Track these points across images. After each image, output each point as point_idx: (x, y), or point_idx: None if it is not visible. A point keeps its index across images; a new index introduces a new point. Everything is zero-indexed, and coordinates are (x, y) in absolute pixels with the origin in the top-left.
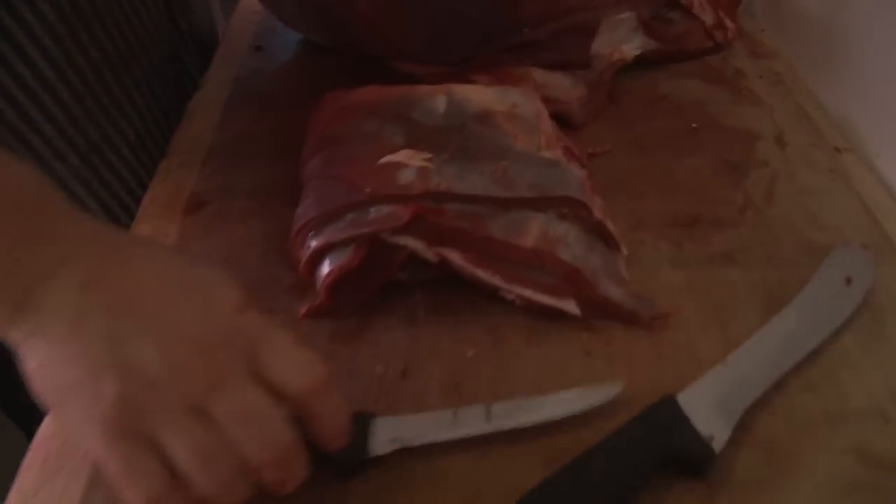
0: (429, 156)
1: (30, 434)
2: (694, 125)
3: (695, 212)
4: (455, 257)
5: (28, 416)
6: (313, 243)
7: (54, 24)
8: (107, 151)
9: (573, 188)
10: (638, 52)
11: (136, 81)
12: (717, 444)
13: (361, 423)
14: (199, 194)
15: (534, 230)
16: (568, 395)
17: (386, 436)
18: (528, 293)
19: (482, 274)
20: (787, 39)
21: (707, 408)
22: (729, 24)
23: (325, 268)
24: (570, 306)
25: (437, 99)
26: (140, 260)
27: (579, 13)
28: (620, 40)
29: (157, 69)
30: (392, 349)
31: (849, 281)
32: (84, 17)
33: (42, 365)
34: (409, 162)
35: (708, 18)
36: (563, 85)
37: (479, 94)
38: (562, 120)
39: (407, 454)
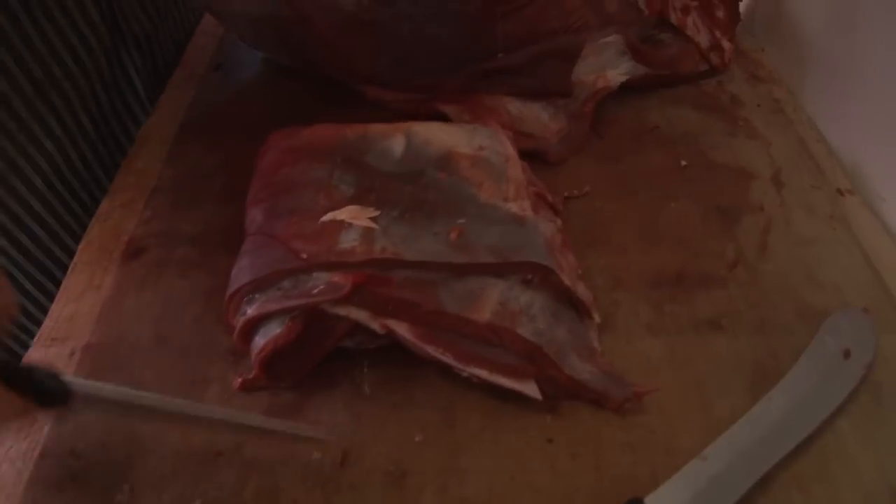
0: (376, 213)
1: None
2: (684, 162)
3: (680, 267)
4: (403, 330)
5: None
6: (248, 311)
7: None
8: (14, 181)
9: (539, 250)
10: (625, 78)
11: (55, 109)
12: None
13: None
14: (139, 240)
15: (492, 301)
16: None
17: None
18: (483, 374)
19: (432, 350)
20: (788, 61)
21: None
22: (726, 44)
23: (260, 340)
24: (531, 390)
25: (395, 140)
26: None
27: (560, 36)
28: (606, 65)
29: (86, 96)
30: (332, 430)
31: (847, 354)
32: None
33: None
34: (354, 221)
35: (703, 39)
36: (541, 118)
37: (441, 135)
38: (538, 156)
39: None
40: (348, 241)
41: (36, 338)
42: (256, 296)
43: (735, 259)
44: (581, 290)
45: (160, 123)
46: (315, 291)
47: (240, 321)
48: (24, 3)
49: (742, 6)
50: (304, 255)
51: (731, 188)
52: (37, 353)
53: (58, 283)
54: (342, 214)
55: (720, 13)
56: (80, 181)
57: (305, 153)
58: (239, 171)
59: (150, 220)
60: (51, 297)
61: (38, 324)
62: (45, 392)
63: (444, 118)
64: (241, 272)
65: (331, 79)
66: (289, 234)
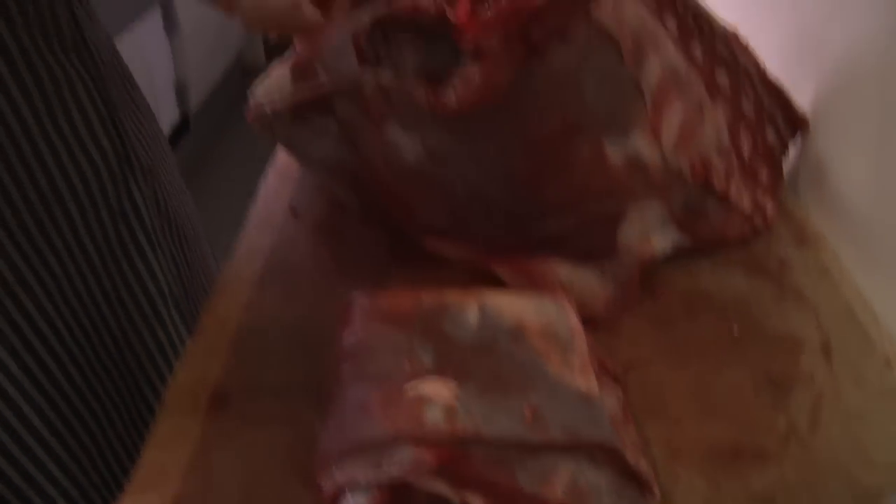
0: (457, 389)
1: None
2: (736, 330)
3: (735, 440)
4: None
5: None
6: (336, 475)
7: None
8: (21, 295)
9: (607, 429)
10: (670, 248)
11: (56, 223)
12: None
13: None
14: (224, 388)
15: (563, 479)
16: None
17: None
18: None
19: None
20: (833, 222)
21: None
22: (768, 205)
23: None
24: None
25: (470, 310)
26: None
27: (604, 200)
28: (650, 231)
29: (92, 214)
30: None
31: None
32: (3, 151)
33: None
34: (437, 397)
35: (746, 203)
36: (590, 283)
37: (513, 307)
38: (589, 322)
39: None
40: (433, 416)
41: (128, 486)
42: (344, 463)
43: (787, 433)
44: (643, 466)
45: (240, 268)
46: (402, 465)
47: (328, 485)
48: (33, 111)
49: (785, 165)
50: (392, 428)
51: (781, 357)
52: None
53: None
54: (426, 389)
55: (763, 175)
56: (82, 305)
57: (387, 318)
58: (317, 323)
59: (234, 369)
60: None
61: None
62: None
63: (500, 280)
64: (331, 438)
65: (398, 226)
66: (377, 404)
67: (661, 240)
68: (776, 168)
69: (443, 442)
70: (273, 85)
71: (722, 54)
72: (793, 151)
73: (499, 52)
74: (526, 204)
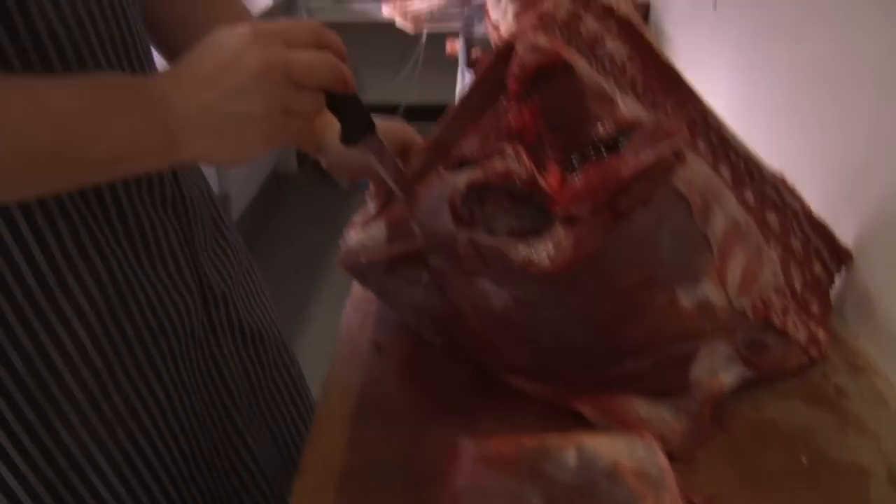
0: None
1: None
2: (804, 460)
3: None
4: None
5: None
6: None
7: (92, 292)
8: (132, 427)
9: None
10: (737, 383)
11: (164, 357)
12: None
13: None
14: None
15: None
16: None
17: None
18: None
19: None
20: (883, 349)
21: None
22: (821, 335)
23: None
24: None
25: (568, 452)
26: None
27: (677, 342)
28: (718, 368)
29: (185, 346)
30: None
31: None
32: (119, 289)
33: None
34: None
35: (801, 336)
36: (666, 419)
37: (607, 448)
38: (668, 456)
39: None
40: None
41: None
42: None
43: None
44: None
45: (334, 406)
46: None
47: None
48: (137, 257)
49: (832, 293)
50: None
51: (851, 489)
52: None
53: None
54: None
55: (814, 307)
56: (183, 431)
57: (493, 464)
58: (417, 461)
59: None
60: None
61: None
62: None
63: (581, 416)
64: None
65: (481, 364)
66: None
67: (728, 375)
68: (825, 299)
69: None
70: (368, 238)
71: (771, 197)
72: (839, 282)
73: (589, 219)
74: (606, 346)
